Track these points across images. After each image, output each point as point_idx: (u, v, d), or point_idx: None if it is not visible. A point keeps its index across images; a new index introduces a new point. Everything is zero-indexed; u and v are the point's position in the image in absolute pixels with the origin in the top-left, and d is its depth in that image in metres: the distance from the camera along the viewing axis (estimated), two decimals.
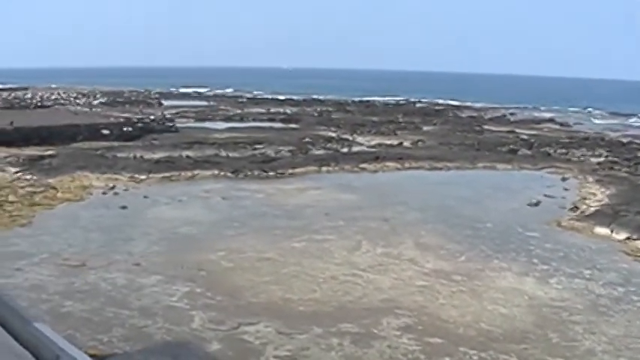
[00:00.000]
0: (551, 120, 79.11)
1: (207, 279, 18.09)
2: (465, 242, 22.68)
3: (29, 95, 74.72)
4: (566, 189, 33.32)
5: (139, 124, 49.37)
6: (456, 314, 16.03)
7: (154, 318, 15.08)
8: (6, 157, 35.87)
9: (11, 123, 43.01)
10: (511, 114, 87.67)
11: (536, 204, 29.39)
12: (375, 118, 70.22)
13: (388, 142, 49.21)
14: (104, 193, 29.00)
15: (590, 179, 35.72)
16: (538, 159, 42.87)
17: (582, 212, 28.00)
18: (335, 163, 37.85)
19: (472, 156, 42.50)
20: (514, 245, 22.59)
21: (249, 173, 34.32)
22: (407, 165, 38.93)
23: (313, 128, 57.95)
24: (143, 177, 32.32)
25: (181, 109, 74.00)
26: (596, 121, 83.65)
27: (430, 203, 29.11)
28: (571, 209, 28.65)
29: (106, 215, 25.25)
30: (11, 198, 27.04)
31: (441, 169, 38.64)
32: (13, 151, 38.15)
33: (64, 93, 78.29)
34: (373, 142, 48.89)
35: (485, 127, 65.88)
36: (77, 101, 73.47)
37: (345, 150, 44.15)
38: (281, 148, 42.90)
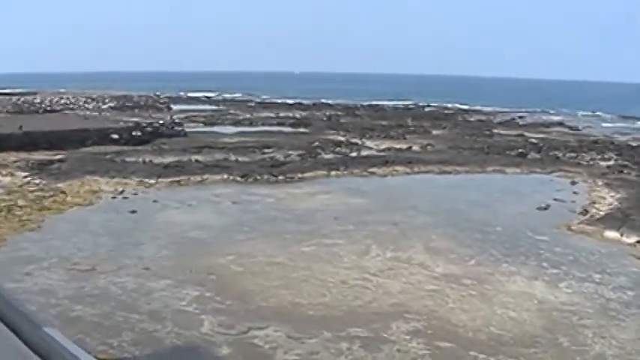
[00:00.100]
0: (560, 123, 78.84)
1: (217, 283, 18.09)
2: (475, 246, 22.63)
3: (38, 99, 74.67)
4: (575, 193, 33.22)
5: (149, 129, 49.35)
6: (465, 318, 15.99)
7: (163, 322, 15.08)
8: (15, 162, 35.98)
9: (20, 127, 43.09)
10: (520, 117, 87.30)
11: (546, 208, 29.32)
12: (384, 122, 70.09)
13: (397, 146, 49.14)
14: (113, 198, 29.04)
15: (600, 183, 35.60)
16: (547, 163, 42.76)
17: (592, 216, 27.92)
18: (344, 167, 37.83)
19: (481, 160, 42.41)
20: (524, 249, 22.52)
21: (259, 177, 34.32)
22: (416, 169, 38.86)
23: (322, 132, 57.90)
24: (152, 181, 32.34)
25: (190, 114, 73.98)
26: (606, 125, 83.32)
27: (440, 207, 29.07)
28: (580, 213, 28.56)
29: (116, 219, 25.28)
30: (21, 202, 27.08)
31: (450, 172, 38.57)
32: (23, 155, 38.20)
33: (73, 97, 78.15)
34: (382, 146, 48.83)
35: (495, 130, 65.66)
36: (86, 105, 73.49)
37: (354, 154, 44.10)
38: (290, 152, 42.92)
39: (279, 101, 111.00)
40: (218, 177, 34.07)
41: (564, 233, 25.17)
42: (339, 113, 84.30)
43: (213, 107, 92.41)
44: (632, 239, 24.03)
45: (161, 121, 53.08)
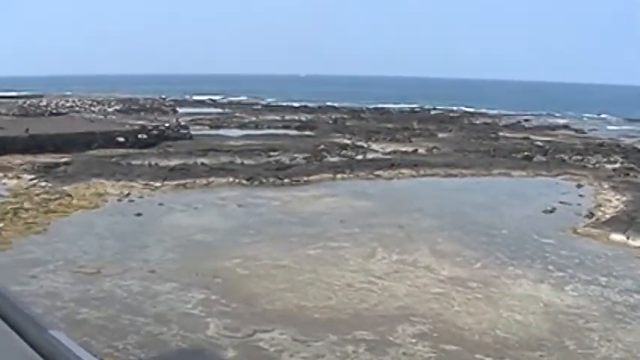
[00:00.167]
0: (565, 126, 78.70)
1: (223, 286, 18.09)
2: (481, 249, 22.60)
3: (44, 103, 74.77)
4: (581, 195, 33.17)
5: (154, 132, 49.39)
6: (471, 321, 15.97)
7: (169, 325, 15.09)
8: (21, 165, 36.05)
9: (27, 130, 43.17)
10: (526, 120, 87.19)
11: (552, 211, 29.27)
12: (389, 125, 70.05)
13: (403, 149, 49.10)
14: (119, 201, 29.07)
15: (606, 186, 35.52)
16: (553, 165, 42.69)
17: (598, 219, 27.85)
18: (350, 170, 37.82)
19: (487, 163, 42.36)
20: (529, 252, 22.48)
21: (265, 180, 34.32)
22: (422, 172, 38.83)
23: (328, 135, 57.85)
24: (158, 184, 32.36)
25: (196, 117, 74.06)
26: (611, 127, 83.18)
27: (445, 210, 29.04)
28: (586, 216, 28.50)
29: (121, 222, 25.31)
30: (26, 205, 27.13)
31: (456, 175, 38.53)
32: (29, 158, 38.27)
33: (78, 100, 78.29)
34: (388, 149, 48.77)
35: (500, 133, 65.57)
36: (92, 108, 73.54)
37: (360, 157, 44.09)
38: (296, 155, 42.89)
39: (285, 104, 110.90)
40: (224, 180, 34.07)
41: (570, 236, 25.13)
42: (345, 116, 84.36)
43: (219, 110, 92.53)
44: (638, 242, 23.98)
45: (167, 124, 53.13)
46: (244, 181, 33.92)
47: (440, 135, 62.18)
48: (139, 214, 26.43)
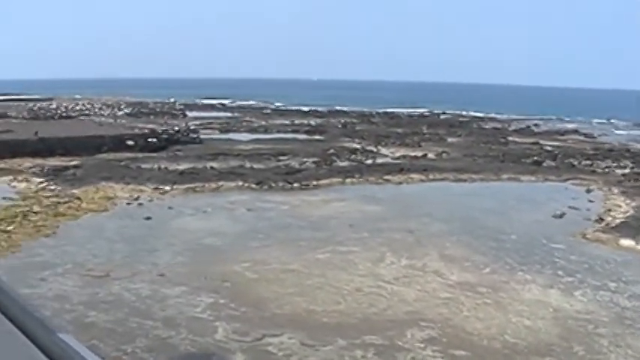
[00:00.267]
0: (575, 131, 78.53)
1: (232, 290, 18.08)
2: (490, 254, 22.54)
3: (54, 106, 74.71)
4: (590, 201, 33.04)
5: (164, 136, 49.44)
6: (480, 326, 15.92)
7: (177, 329, 15.08)
8: (31, 168, 36.15)
9: (36, 133, 43.28)
10: (535, 125, 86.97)
11: (561, 216, 29.17)
12: (399, 130, 69.92)
13: (412, 153, 49.01)
14: (128, 204, 29.09)
15: (616, 191, 35.39)
16: (562, 170, 42.60)
17: (607, 224, 27.74)
18: (359, 175, 37.75)
19: (496, 167, 42.27)
20: (539, 257, 22.40)
21: (274, 185, 34.28)
22: (431, 176, 38.76)
23: (338, 140, 57.78)
24: (167, 188, 32.37)
25: (205, 121, 73.95)
26: (620, 132, 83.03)
27: (455, 215, 28.98)
28: (596, 221, 28.39)
29: (131, 226, 25.33)
30: (36, 208, 27.16)
31: (465, 180, 38.44)
32: (38, 161, 38.38)
33: (88, 104, 78.23)
34: (397, 154, 48.72)
35: (510, 138, 65.42)
36: (102, 112, 73.56)
37: (369, 162, 43.96)
38: (305, 159, 42.89)
39: (294, 108, 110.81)
40: (233, 184, 34.07)
41: (579, 241, 25.03)
42: (355, 120, 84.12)
43: (229, 114, 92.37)
44: None
45: (176, 128, 53.12)
46: (254, 185, 33.90)
47: (449, 140, 62.04)
48: (148, 218, 26.45)
